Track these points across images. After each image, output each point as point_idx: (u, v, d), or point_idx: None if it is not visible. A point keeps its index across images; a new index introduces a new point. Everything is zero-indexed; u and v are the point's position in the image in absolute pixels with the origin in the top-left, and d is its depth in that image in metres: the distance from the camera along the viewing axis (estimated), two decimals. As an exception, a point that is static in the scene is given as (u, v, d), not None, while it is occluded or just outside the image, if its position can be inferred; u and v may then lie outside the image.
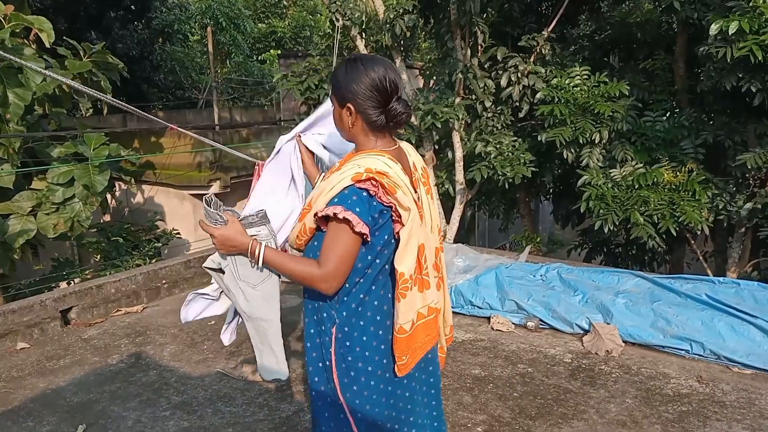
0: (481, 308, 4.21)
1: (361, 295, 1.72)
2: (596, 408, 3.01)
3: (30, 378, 3.59)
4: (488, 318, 4.14)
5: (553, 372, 3.41)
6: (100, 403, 3.26)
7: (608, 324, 3.74)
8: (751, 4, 5.13)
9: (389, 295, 1.76)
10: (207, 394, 3.31)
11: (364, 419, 1.75)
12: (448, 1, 6.62)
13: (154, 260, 8.94)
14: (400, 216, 1.66)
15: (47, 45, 6.69)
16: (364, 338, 1.73)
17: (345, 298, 1.72)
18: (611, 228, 6.21)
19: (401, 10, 7.09)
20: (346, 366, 1.73)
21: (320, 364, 1.79)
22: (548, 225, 16.20)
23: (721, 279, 4.10)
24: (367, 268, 1.71)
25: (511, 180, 6.93)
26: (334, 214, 1.61)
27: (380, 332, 1.75)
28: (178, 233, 10.34)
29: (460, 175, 7.74)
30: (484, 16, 7.20)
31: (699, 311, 3.65)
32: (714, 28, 5.28)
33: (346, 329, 1.73)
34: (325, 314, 1.76)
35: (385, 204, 1.64)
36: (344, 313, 1.73)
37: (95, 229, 9.76)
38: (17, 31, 7.10)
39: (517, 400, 3.12)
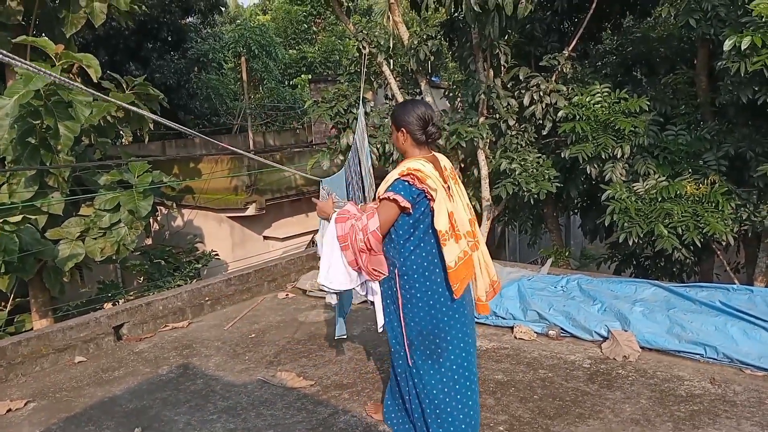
0: (504, 318, 4.42)
1: (412, 248, 2.73)
2: (612, 408, 3.19)
3: (88, 388, 3.92)
4: (511, 328, 4.34)
5: (572, 376, 3.60)
6: (153, 408, 3.57)
7: (626, 331, 3.91)
8: (764, 19, 5.29)
9: (434, 249, 2.73)
10: (250, 400, 3.59)
11: (413, 328, 2.76)
12: (470, 26, 6.90)
13: (194, 281, 9.35)
14: (431, 196, 2.65)
15: (95, 80, 7.18)
16: (416, 276, 2.73)
17: (402, 250, 2.74)
18: (635, 240, 6.34)
19: (425, 36, 7.40)
20: (404, 293, 2.75)
21: (389, 299, 2.85)
22: (580, 240, 16.22)
23: (735, 286, 4.23)
24: (413, 229, 2.72)
25: (536, 195, 7.12)
26: (387, 196, 2.68)
27: (427, 273, 2.73)
28: (217, 254, 10.76)
29: (486, 192, 7.96)
30: (506, 37, 7.46)
31: (713, 317, 3.80)
32: (728, 44, 5.44)
33: (404, 269, 2.74)
34: (391, 262, 2.78)
35: (418, 188, 2.66)
36: (402, 260, 2.74)
37: (138, 253, 10.24)
38: (65, 67, 7.64)
39: (537, 402, 3.32)
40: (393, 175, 2.73)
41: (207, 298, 5.34)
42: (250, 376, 3.91)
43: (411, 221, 2.70)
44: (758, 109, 6.03)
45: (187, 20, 19.04)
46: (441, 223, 2.65)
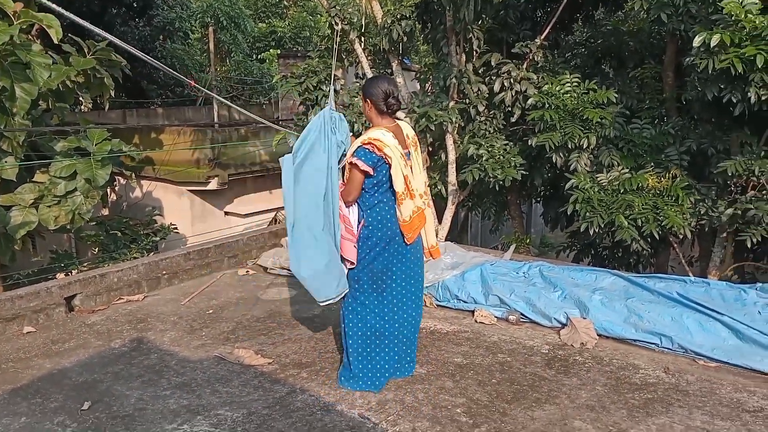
0: (466, 302, 4.44)
1: (375, 202, 3.27)
2: (568, 394, 3.23)
3: (36, 359, 3.79)
4: (472, 311, 4.36)
5: (530, 361, 3.63)
6: (104, 383, 3.47)
7: (584, 318, 3.96)
8: (733, 18, 5.36)
9: (393, 204, 3.27)
10: (205, 376, 3.51)
11: (365, 267, 3.29)
12: (444, 8, 6.83)
13: (151, 254, 9.13)
14: (389, 162, 3.15)
15: (55, 41, 6.88)
16: (378, 225, 3.25)
17: (367, 204, 3.27)
18: (596, 230, 6.42)
19: (399, 16, 7.29)
20: (364, 238, 3.28)
21: None
22: (540, 228, 16.44)
23: (692, 278, 4.33)
24: (376, 188, 3.24)
25: (501, 182, 7.14)
26: (351, 161, 3.17)
27: (386, 222, 3.26)
28: (176, 228, 10.54)
29: (452, 177, 7.95)
30: (480, 22, 7.41)
31: (669, 308, 3.87)
32: (697, 41, 5.49)
33: (370, 220, 3.27)
34: (361, 212, 3.31)
35: (377, 154, 3.14)
36: (368, 212, 3.28)
37: (94, 223, 9.95)
38: (24, 27, 7.29)
39: (495, 386, 3.34)
40: (357, 143, 3.23)
41: (164, 272, 5.21)
42: (207, 353, 3.84)
43: (375, 182, 3.23)
44: (722, 107, 6.13)
45: (154, -14, 18.43)
46: (398, 185, 3.20)
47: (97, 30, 4.89)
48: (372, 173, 3.16)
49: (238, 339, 4.04)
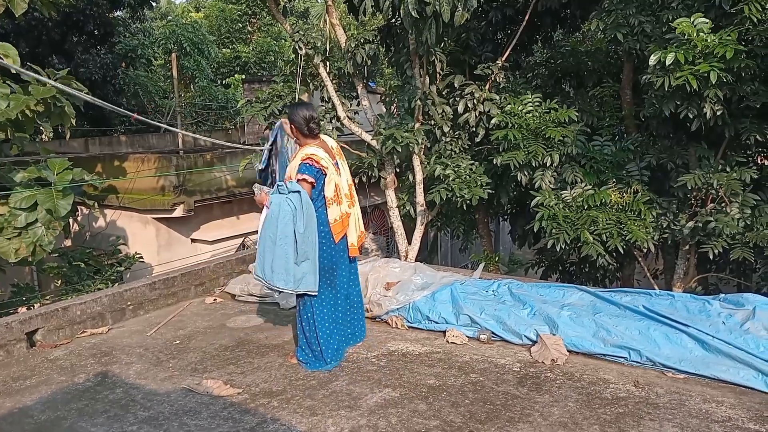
0: (437, 323, 4.43)
1: (318, 207, 3.78)
2: (541, 412, 3.23)
3: (-4, 398, 3.65)
4: (444, 332, 4.35)
5: (502, 380, 3.63)
6: (68, 419, 3.35)
7: (554, 335, 3.99)
8: (686, 36, 5.55)
9: (324, 207, 3.81)
10: (173, 409, 3.42)
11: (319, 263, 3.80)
12: (407, 32, 6.92)
13: (116, 284, 8.93)
14: (325, 172, 3.76)
15: (13, 71, 6.75)
16: (321, 227, 3.79)
17: (316, 210, 3.75)
18: (563, 246, 6.52)
19: (362, 40, 7.37)
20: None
21: None
22: (509, 245, 16.59)
23: (657, 291, 4.40)
24: (317, 195, 3.77)
25: (469, 201, 7.22)
26: (299, 177, 3.68)
27: (324, 224, 3.82)
28: (141, 257, 10.33)
29: (420, 197, 8.01)
30: (442, 45, 7.53)
31: (636, 321, 3.93)
32: (653, 59, 5.67)
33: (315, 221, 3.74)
34: None
35: (316, 167, 3.73)
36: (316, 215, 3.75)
37: (56, 254, 9.70)
38: (-20, 56, 7.15)
39: (469, 406, 3.32)
40: (297, 161, 3.78)
41: (129, 303, 5.09)
42: (174, 385, 3.74)
43: (316, 191, 3.78)
44: (680, 122, 6.33)
45: (116, 14, 18.31)
46: (329, 191, 3.82)
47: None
48: (315, 183, 3.74)
49: (207, 369, 3.96)
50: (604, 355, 3.84)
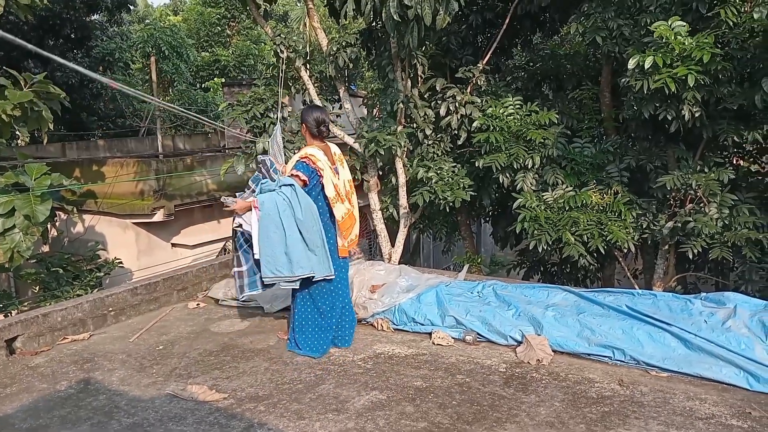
0: (423, 325, 4.43)
1: (320, 207, 4.01)
2: (527, 412, 3.25)
3: (-25, 407, 3.58)
4: (430, 334, 4.36)
5: (489, 381, 3.65)
6: (51, 427, 3.29)
7: (539, 335, 4.01)
8: (664, 40, 5.63)
9: (326, 207, 4.07)
10: (158, 415, 3.38)
11: None
12: (389, 35, 6.94)
13: (95, 290, 8.80)
14: (321, 174, 3.98)
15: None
16: (327, 225, 4.10)
17: (319, 209, 4.01)
18: (545, 247, 6.57)
19: (344, 43, 7.37)
20: None
21: None
22: (490, 247, 16.70)
23: (639, 291, 4.46)
24: (317, 196, 4.01)
25: (451, 204, 7.24)
26: (293, 173, 3.94)
27: (332, 223, 4.10)
28: (121, 262, 10.21)
29: (403, 200, 8.02)
30: (423, 48, 7.56)
31: (620, 321, 3.97)
32: (632, 63, 5.75)
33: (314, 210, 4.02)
34: None
35: (312, 167, 3.97)
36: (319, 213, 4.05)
37: (34, 260, 9.55)
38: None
39: (456, 407, 3.33)
40: (296, 158, 4.07)
41: (110, 309, 5.02)
42: (158, 391, 3.70)
43: (308, 189, 3.98)
44: (658, 124, 6.42)
45: (93, 17, 18.07)
46: (329, 191, 4.03)
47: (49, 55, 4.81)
48: (308, 182, 3.95)
49: (191, 375, 3.92)
50: (589, 354, 3.88)
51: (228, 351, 4.32)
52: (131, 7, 17.96)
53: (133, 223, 10.52)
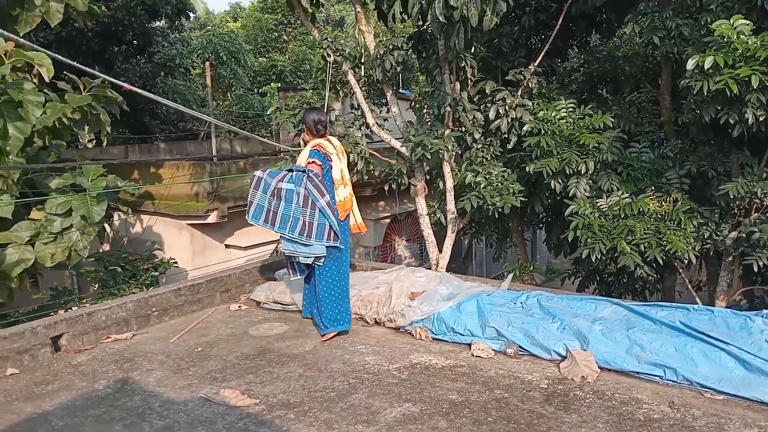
0: (462, 335, 4.29)
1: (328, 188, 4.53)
2: (567, 432, 3.07)
3: (17, 403, 3.65)
4: (469, 345, 4.20)
5: (528, 397, 3.47)
6: (85, 426, 3.33)
7: (585, 350, 3.80)
8: (726, 39, 5.31)
9: (331, 188, 4.55)
10: (189, 419, 3.37)
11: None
12: (436, 37, 6.82)
13: (150, 289, 9.01)
14: (330, 158, 4.55)
15: (47, 79, 6.88)
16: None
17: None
18: (598, 257, 6.30)
19: (391, 46, 7.29)
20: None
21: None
22: (546, 254, 16.28)
23: (695, 306, 4.16)
24: (326, 177, 4.51)
25: (500, 209, 7.04)
26: (310, 160, 4.51)
27: (333, 203, 4.52)
28: (176, 262, 10.44)
29: (451, 205, 7.86)
30: (472, 51, 7.40)
31: (673, 338, 3.72)
32: (691, 63, 5.45)
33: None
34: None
35: (323, 152, 4.53)
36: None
37: (93, 259, 9.87)
38: (19, 66, 7.31)
39: (491, 424, 3.18)
40: (308, 148, 4.61)
41: (154, 309, 5.09)
42: (192, 393, 3.69)
43: (324, 174, 4.51)
44: (720, 128, 6.05)
45: (154, 24, 18.69)
46: (336, 174, 4.58)
47: (88, 70, 5.08)
48: (323, 167, 4.50)
49: (226, 378, 3.90)
50: (638, 373, 3.64)
51: (264, 355, 4.29)
52: (191, 14, 18.46)
53: (188, 224, 10.74)
